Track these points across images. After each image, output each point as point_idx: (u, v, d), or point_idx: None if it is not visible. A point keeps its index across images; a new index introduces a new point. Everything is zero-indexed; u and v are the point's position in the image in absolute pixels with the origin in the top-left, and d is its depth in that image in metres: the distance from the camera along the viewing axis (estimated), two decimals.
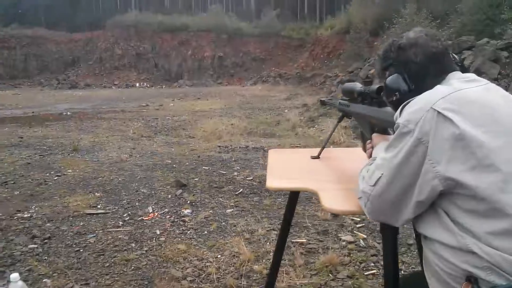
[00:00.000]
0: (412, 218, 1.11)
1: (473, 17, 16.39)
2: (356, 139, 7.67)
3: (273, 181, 1.60)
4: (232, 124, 10.44)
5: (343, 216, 3.83)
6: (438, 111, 1.00)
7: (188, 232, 3.60)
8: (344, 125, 8.50)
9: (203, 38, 39.29)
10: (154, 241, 3.42)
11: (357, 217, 3.80)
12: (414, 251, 3.09)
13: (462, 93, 1.05)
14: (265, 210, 4.09)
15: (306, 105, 13.71)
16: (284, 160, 1.99)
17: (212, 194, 4.66)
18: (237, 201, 4.40)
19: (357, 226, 3.65)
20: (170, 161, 6.33)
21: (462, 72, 1.20)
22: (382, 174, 1.10)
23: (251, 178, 5.28)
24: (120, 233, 3.58)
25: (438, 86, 1.12)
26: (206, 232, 3.59)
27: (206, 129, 9.57)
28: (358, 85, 1.66)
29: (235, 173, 5.53)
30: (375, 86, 1.46)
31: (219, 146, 7.58)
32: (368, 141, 1.51)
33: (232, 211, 4.10)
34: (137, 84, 35.18)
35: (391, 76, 1.23)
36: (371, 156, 1.43)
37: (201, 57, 38.77)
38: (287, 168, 1.83)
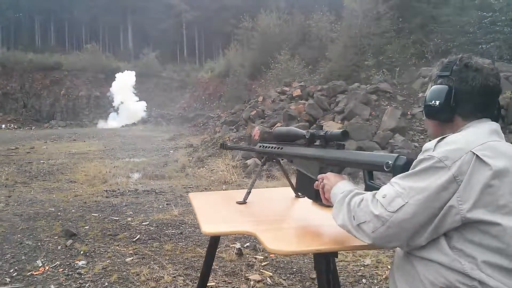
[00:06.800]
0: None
1: (341, 63, 18.33)
2: (246, 177, 7.89)
3: (208, 226, 1.61)
4: (115, 167, 9.99)
5: (247, 255, 3.90)
6: (477, 154, 1.11)
7: (86, 285, 3.32)
8: (233, 164, 8.71)
9: (78, 77, 37.31)
10: None
11: (261, 255, 3.89)
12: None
13: (495, 144, 1.17)
14: (168, 256, 3.96)
15: (192, 145, 13.74)
16: (210, 203, 2.01)
17: (106, 242, 4.38)
18: (135, 248, 4.19)
19: (262, 264, 3.73)
20: (53, 209, 5.79)
21: (497, 118, 1.31)
22: (407, 202, 1.13)
23: (147, 223, 5.09)
24: None
25: (473, 130, 1.23)
26: (106, 284, 3.35)
27: (88, 173, 9.02)
28: (299, 130, 1.75)
29: (129, 219, 5.28)
30: (338, 130, 1.53)
31: (106, 191, 7.17)
32: (320, 178, 1.50)
33: (132, 259, 3.89)
34: (3, 126, 31.72)
35: (441, 85, 1.29)
36: (329, 195, 1.42)
37: (76, 97, 36.66)
38: (217, 212, 1.85)
